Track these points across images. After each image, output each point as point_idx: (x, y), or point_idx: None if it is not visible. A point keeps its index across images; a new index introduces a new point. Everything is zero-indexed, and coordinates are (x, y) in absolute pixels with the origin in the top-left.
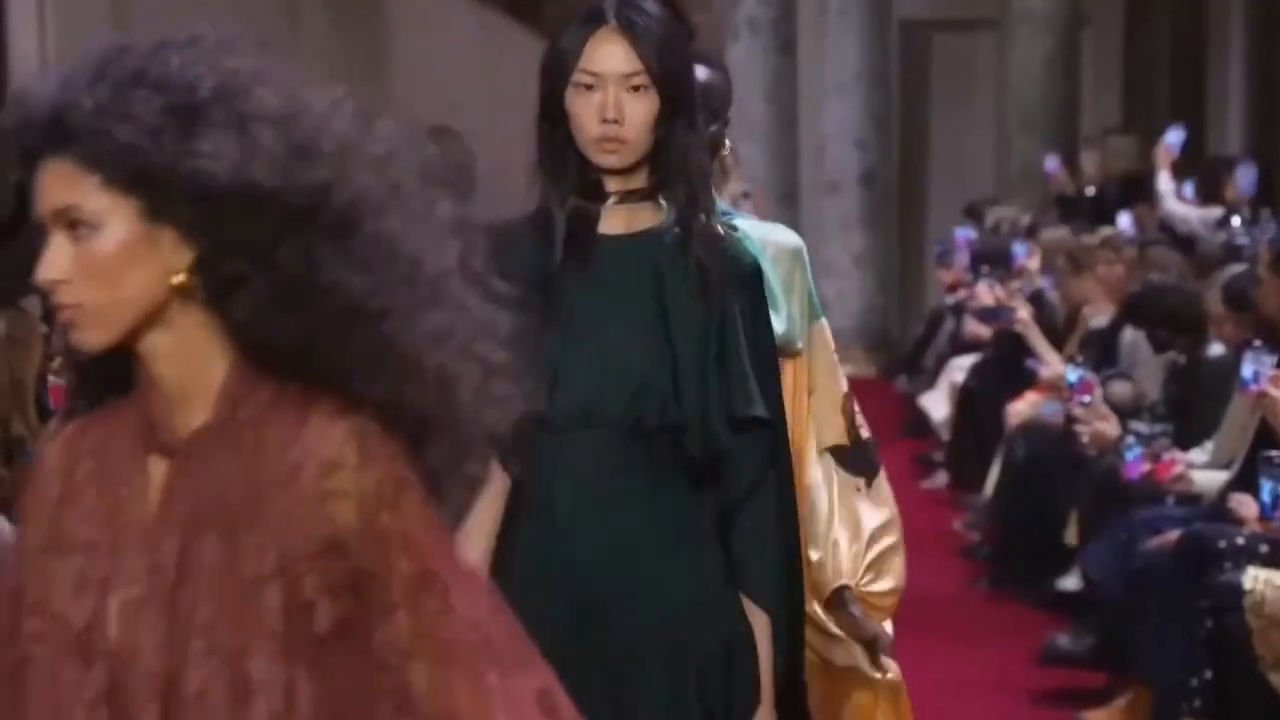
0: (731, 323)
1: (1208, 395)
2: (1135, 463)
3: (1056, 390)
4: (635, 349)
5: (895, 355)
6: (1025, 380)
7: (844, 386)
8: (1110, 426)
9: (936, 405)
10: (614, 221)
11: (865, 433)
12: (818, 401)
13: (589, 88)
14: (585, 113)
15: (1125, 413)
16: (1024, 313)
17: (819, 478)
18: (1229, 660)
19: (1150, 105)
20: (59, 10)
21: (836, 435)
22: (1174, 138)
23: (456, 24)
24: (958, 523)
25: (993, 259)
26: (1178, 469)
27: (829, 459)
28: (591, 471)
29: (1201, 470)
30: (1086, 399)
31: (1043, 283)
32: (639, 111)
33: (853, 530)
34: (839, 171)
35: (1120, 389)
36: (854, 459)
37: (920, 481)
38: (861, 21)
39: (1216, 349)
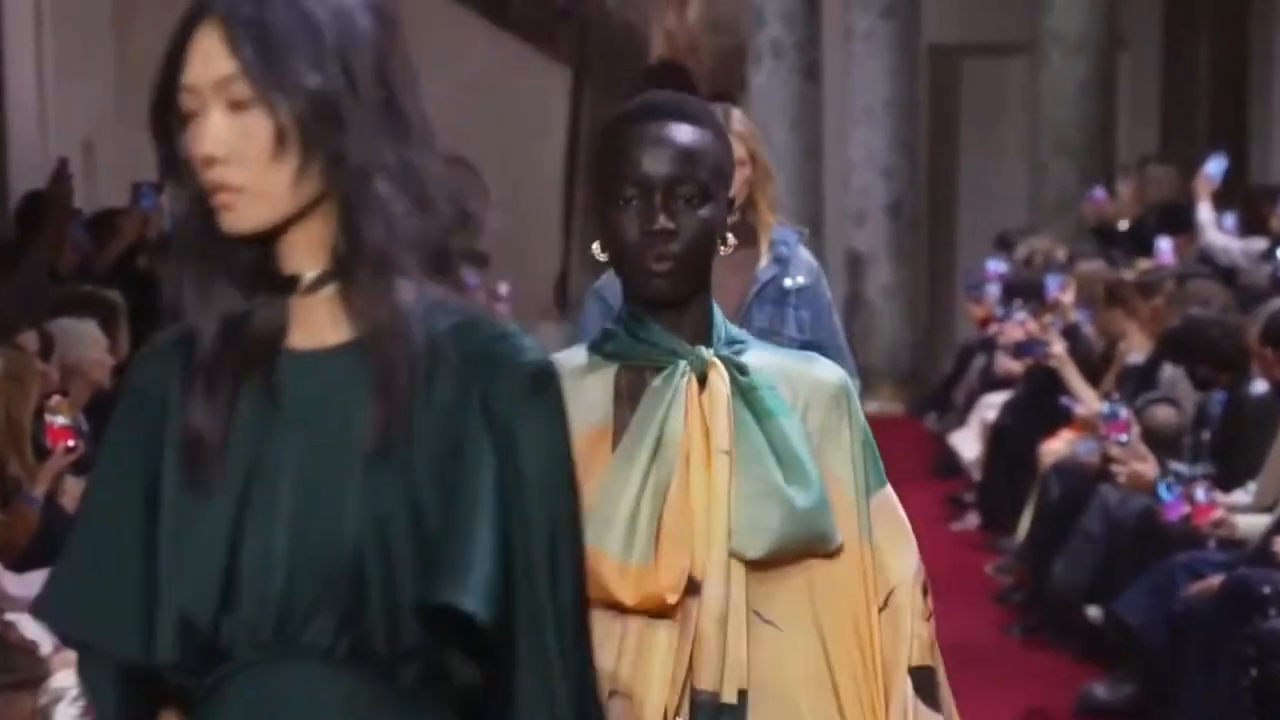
0: (473, 462)
1: (1250, 435)
2: (1174, 504)
3: (1092, 429)
4: (344, 525)
5: (924, 391)
6: (1060, 418)
7: (922, 580)
8: (1148, 467)
9: (967, 444)
10: (310, 329)
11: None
12: (902, 602)
13: (194, 114)
14: (191, 150)
15: (1168, 441)
16: (1058, 348)
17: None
18: (1274, 710)
19: (1190, 132)
20: (57, 21)
21: (921, 653)
22: (1215, 167)
23: (473, 50)
24: (989, 566)
25: (1025, 292)
26: (1218, 513)
27: (908, 683)
28: None
29: (1244, 513)
30: (1123, 438)
31: (1078, 316)
32: (248, 140)
33: None
34: (865, 201)
35: (1164, 414)
36: (935, 689)
37: (950, 523)
38: (889, 46)
39: (1260, 386)
